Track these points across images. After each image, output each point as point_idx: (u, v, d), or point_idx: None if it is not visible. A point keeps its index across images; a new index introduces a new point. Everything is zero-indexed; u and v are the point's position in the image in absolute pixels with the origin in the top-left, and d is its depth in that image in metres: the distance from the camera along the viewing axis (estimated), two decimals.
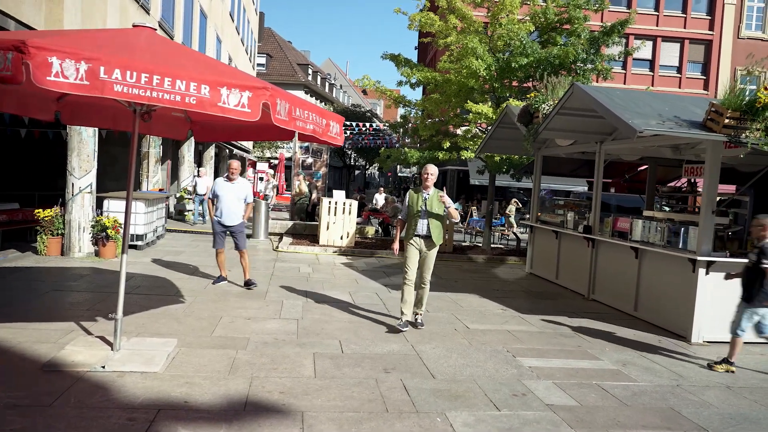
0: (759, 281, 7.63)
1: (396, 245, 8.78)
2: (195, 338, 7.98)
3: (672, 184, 15.59)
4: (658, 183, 14.99)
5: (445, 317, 9.96)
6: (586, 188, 31.17)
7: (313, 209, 22.05)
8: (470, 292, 11.84)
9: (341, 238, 17.46)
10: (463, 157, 18.53)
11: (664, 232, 10.18)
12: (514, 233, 21.68)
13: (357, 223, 20.77)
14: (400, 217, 8.84)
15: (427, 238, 8.55)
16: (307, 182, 23.35)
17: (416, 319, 9.06)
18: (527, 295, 12.22)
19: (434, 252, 8.60)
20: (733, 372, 7.90)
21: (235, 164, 11.14)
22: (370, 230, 20.30)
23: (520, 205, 27.41)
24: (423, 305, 9.10)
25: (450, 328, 9.27)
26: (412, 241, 8.59)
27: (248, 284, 11.31)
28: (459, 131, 19.61)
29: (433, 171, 8.45)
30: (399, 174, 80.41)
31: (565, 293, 12.57)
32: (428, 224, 8.56)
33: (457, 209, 25.84)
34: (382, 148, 21.78)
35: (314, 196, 22.62)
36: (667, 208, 14.41)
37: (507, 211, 26.75)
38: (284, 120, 6.08)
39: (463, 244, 20.74)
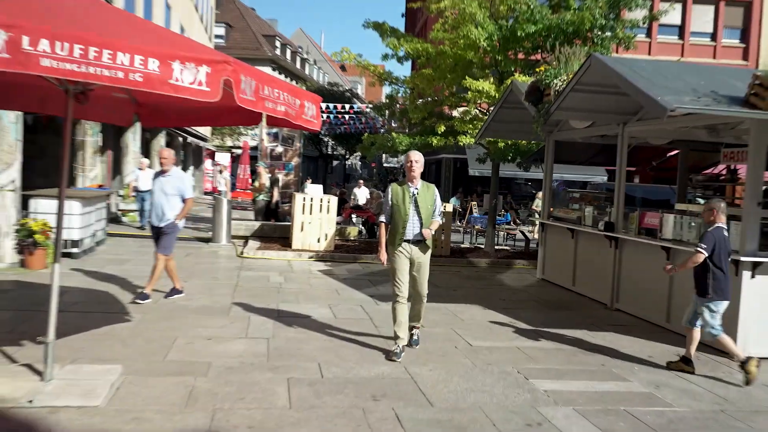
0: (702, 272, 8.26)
1: (383, 255, 8.44)
2: (144, 364, 7.91)
3: (707, 171, 15.57)
4: (691, 171, 14.99)
5: (443, 333, 9.99)
6: (605, 178, 31.53)
7: (276, 208, 21.84)
8: (472, 302, 11.88)
9: (318, 241, 17.47)
10: (461, 144, 18.49)
11: (700, 229, 10.15)
12: (522, 232, 21.63)
13: (337, 223, 20.67)
14: (382, 219, 8.56)
15: (419, 242, 8.36)
16: (268, 173, 22.85)
17: (411, 335, 9.00)
18: (539, 306, 12.29)
19: (428, 257, 8.44)
20: (691, 372, 8.45)
21: (166, 153, 11.12)
22: (353, 231, 20.20)
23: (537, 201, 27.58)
24: (421, 319, 9.07)
25: (450, 345, 9.30)
26: (400, 249, 8.34)
27: (142, 297, 11.02)
28: (455, 113, 19.51)
29: (418, 158, 8.27)
30: (385, 164, 79.13)
31: (584, 302, 12.73)
32: (420, 226, 8.35)
33: (454, 205, 25.64)
34: (365, 134, 21.70)
35: (276, 192, 22.03)
36: (701, 200, 14.45)
37: (534, 206, 26.49)
38: (250, 100, 5.99)
39: (462, 246, 20.71)
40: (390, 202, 8.39)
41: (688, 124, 10.55)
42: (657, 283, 11.01)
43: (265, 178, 22.41)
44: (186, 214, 11.19)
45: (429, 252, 8.40)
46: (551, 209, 15.03)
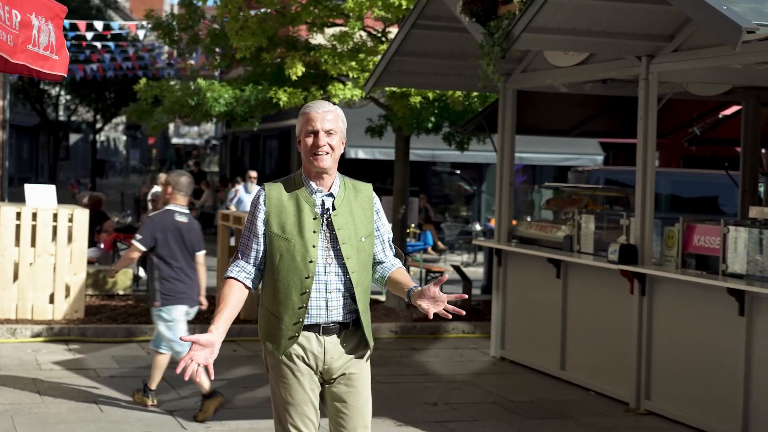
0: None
1: (209, 341, 4.62)
2: None
3: None
4: (764, 142, 12.93)
5: None
6: (600, 159, 26.02)
7: None
8: (377, 414, 7.64)
9: (51, 301, 12.85)
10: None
11: None
12: (457, 268, 16.97)
13: (89, 263, 14.76)
14: (229, 273, 4.86)
15: (342, 329, 4.91)
16: None
17: None
18: (505, 414, 9.73)
19: (366, 367, 5.02)
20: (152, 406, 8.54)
21: None
22: (123, 277, 14.83)
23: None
24: None
25: None
26: (294, 353, 4.84)
27: None
28: (321, 38, 15.50)
29: (331, 116, 4.82)
30: (175, 140, 57.75)
31: (586, 402, 10.17)
32: (344, 289, 4.89)
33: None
34: (140, 82, 16.43)
35: None
36: None
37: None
38: None
39: None
40: (261, 233, 4.84)
41: (767, 58, 8.63)
42: (725, 360, 8.96)
43: None
44: None
45: (368, 353, 5.03)
46: (514, 222, 12.68)
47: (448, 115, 15.27)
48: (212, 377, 4.58)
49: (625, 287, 9.63)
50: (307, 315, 4.75)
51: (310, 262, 4.72)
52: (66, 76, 7.17)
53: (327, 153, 4.70)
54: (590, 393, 10.18)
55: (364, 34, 15.15)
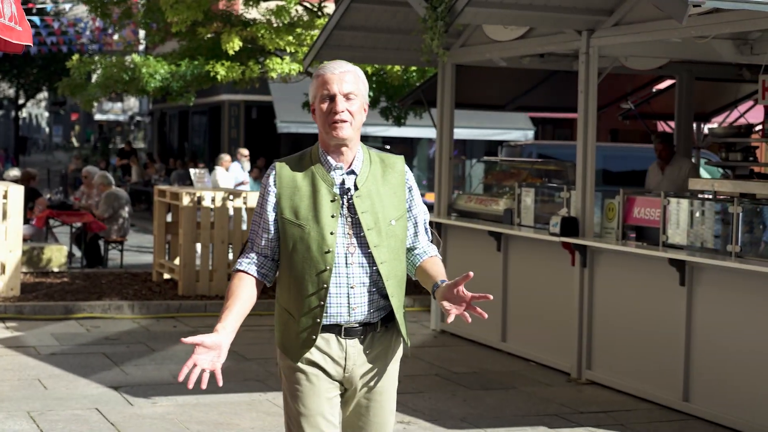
0: None
1: (211, 342, 3.91)
2: None
3: (718, 120, 13.86)
4: (697, 116, 13.16)
5: None
6: (530, 134, 25.47)
7: None
8: None
9: None
10: (270, 77, 14.80)
11: (737, 224, 8.62)
12: None
13: (25, 239, 14.76)
14: (238, 266, 4.09)
15: (368, 331, 4.07)
16: None
17: None
18: (447, 385, 9.76)
19: (392, 382, 4.26)
20: None
21: None
22: (58, 254, 14.73)
23: None
24: None
25: None
26: (311, 358, 4.04)
27: None
28: (257, 12, 15.43)
29: (349, 78, 3.99)
30: (98, 116, 55.54)
31: (528, 372, 10.32)
32: (371, 283, 4.05)
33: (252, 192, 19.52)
34: (73, 58, 16.22)
35: None
36: (719, 171, 13.48)
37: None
38: None
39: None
40: (272, 219, 4.04)
41: (708, 32, 9.12)
42: (665, 329, 9.18)
43: None
44: None
45: (398, 355, 4.21)
46: (453, 195, 12.64)
47: (386, 90, 15.17)
48: (220, 383, 3.96)
49: (566, 259, 9.77)
50: (325, 314, 4.02)
51: (327, 252, 3.97)
52: (31, 45, 7.16)
53: (346, 121, 3.93)
54: (532, 364, 10.31)
55: (300, 8, 15.00)
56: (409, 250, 4.08)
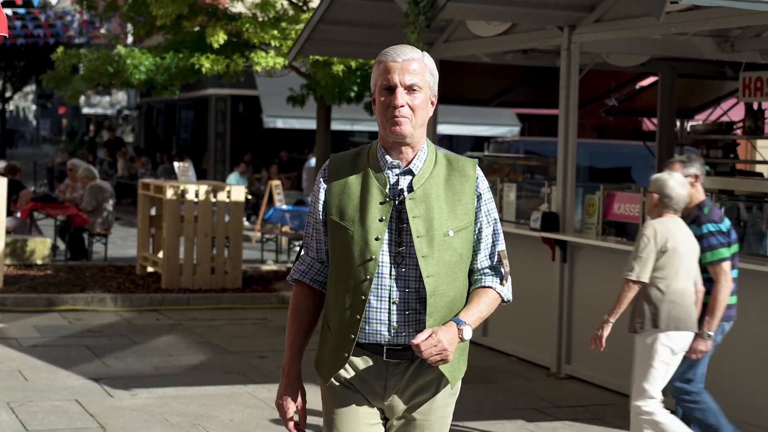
0: None
1: (289, 408, 3.42)
2: None
3: (701, 117, 13.86)
4: (680, 113, 13.06)
5: None
6: (517, 130, 25.28)
7: None
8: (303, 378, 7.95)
9: None
10: (256, 70, 14.70)
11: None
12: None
13: (9, 231, 14.58)
14: (293, 274, 3.58)
15: (415, 355, 3.28)
16: None
17: None
18: None
19: (441, 419, 3.53)
20: None
21: None
22: (41, 246, 14.51)
23: None
24: None
25: None
26: (346, 374, 3.41)
27: None
28: (242, 7, 15.55)
29: (414, 66, 3.43)
30: (86, 110, 58.37)
31: (508, 367, 10.31)
32: (417, 300, 3.35)
33: (237, 185, 18.20)
34: (58, 50, 15.98)
35: None
36: (704, 168, 13.37)
37: None
38: None
39: (265, 267, 15.20)
40: (322, 220, 3.51)
41: (688, 29, 9.17)
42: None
43: None
44: None
45: (454, 389, 3.53)
46: None
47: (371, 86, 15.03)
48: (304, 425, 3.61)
49: (546, 254, 9.77)
50: (362, 331, 3.42)
51: (370, 259, 3.40)
52: (6, 36, 7.04)
53: (406, 117, 3.37)
54: (512, 358, 10.32)
55: (285, 2, 14.91)
56: (471, 271, 3.44)
